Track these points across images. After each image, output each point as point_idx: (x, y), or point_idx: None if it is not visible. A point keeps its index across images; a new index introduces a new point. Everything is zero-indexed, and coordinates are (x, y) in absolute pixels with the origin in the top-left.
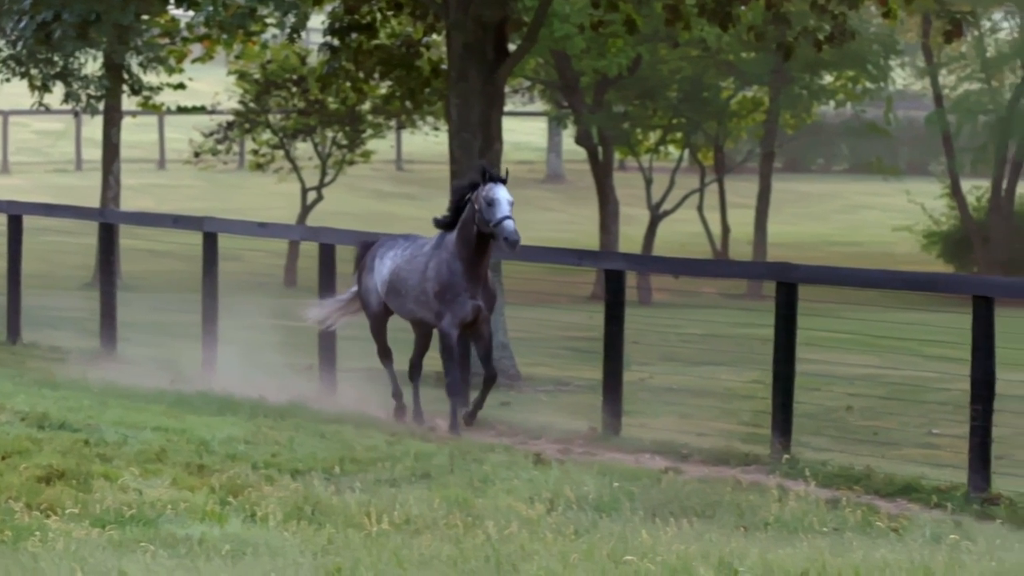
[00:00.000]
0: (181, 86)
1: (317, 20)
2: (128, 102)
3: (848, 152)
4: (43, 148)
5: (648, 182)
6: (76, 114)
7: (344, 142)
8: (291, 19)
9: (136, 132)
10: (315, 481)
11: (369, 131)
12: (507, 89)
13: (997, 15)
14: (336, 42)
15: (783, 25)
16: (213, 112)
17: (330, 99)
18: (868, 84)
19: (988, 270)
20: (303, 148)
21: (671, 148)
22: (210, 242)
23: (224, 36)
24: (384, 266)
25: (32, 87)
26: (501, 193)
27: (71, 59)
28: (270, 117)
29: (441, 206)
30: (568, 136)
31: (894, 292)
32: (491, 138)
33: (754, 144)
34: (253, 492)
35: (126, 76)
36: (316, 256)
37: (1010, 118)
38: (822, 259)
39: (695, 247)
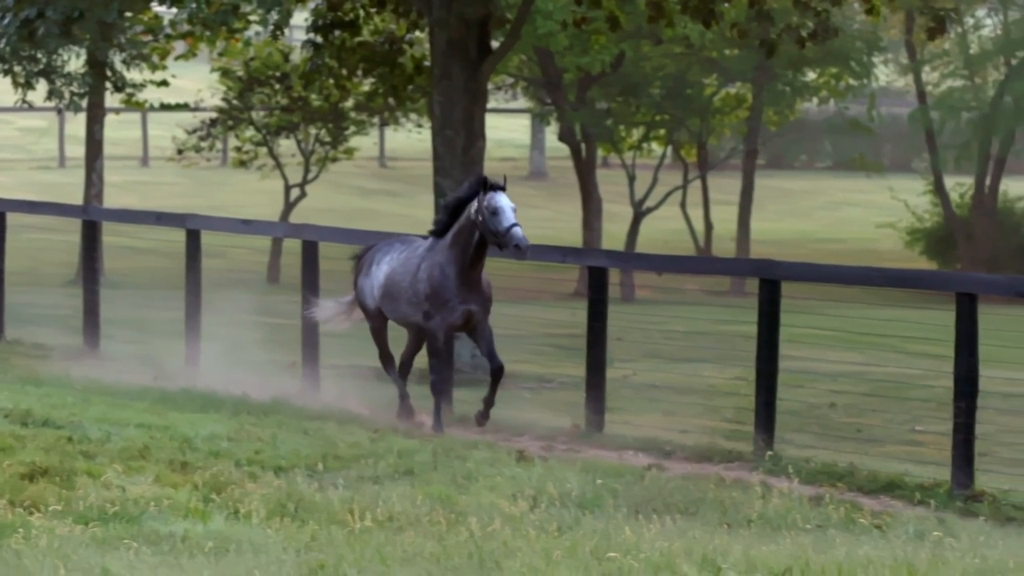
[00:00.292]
0: (164, 83)
1: (300, 17)
2: (111, 99)
3: (831, 149)
4: (26, 145)
5: (631, 179)
6: (59, 111)
7: (327, 139)
8: (274, 16)
9: (119, 129)
10: (298, 478)
11: (352, 128)
12: (490, 86)
13: (980, 12)
14: (319, 39)
15: (766, 22)
16: (196, 109)
17: (313, 96)
18: (851, 81)
19: (971, 267)
20: (286, 145)
21: (654, 145)
22: (193, 239)
23: (207, 33)
24: (380, 271)
25: (15, 84)
26: (504, 201)
27: (54, 56)
28: (253, 114)
29: (424, 203)
30: (551, 133)
31: (877, 289)
32: (474, 135)
33: (737, 141)
34: (236, 489)
35: (109, 73)
36: (299, 253)
37: (993, 115)
38: (805, 256)
39: (678, 244)
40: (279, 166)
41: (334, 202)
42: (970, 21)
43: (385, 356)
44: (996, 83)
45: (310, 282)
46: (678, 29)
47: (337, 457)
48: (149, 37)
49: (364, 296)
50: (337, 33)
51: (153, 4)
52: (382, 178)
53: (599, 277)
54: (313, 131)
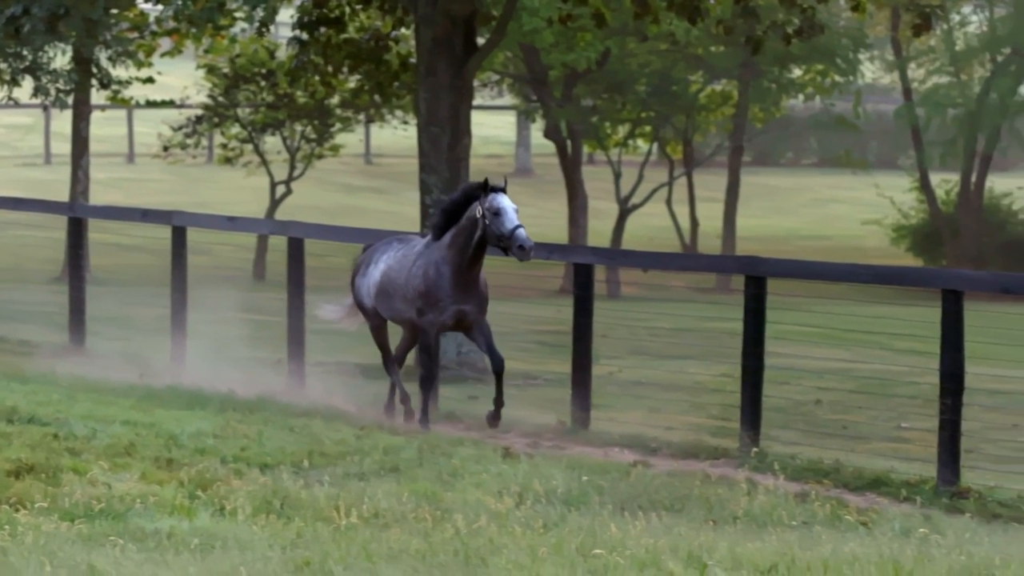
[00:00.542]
0: (150, 80)
1: (286, 14)
2: (97, 96)
3: (817, 146)
4: (12, 142)
5: (617, 176)
6: (45, 108)
7: (313, 136)
8: (260, 13)
9: (105, 126)
10: (284, 475)
11: (338, 125)
12: (476, 83)
13: (966, 8)
14: (305, 36)
15: (752, 19)
16: (182, 106)
17: (299, 93)
18: (837, 78)
19: (957, 264)
20: (272, 142)
21: (640, 142)
22: (179, 236)
23: (193, 30)
24: (377, 269)
25: (1, 81)
26: (506, 202)
27: (40, 53)
28: (239, 111)
29: (410, 200)
30: (537, 130)
31: (863, 286)
32: (460, 132)
33: (723, 138)
34: (222, 486)
35: (95, 70)
36: (285, 250)
37: (979, 112)
38: (791, 253)
39: (664, 241)
40: (265, 163)
41: (320, 199)
42: (956, 18)
43: (387, 357)
44: (982, 80)
45: (296, 279)
46: (664, 26)
47: (323, 454)
48: (135, 34)
49: (361, 295)
50: (323, 30)
51: (139, 1)
52: (368, 175)
53: (585, 274)
54: (299, 128)
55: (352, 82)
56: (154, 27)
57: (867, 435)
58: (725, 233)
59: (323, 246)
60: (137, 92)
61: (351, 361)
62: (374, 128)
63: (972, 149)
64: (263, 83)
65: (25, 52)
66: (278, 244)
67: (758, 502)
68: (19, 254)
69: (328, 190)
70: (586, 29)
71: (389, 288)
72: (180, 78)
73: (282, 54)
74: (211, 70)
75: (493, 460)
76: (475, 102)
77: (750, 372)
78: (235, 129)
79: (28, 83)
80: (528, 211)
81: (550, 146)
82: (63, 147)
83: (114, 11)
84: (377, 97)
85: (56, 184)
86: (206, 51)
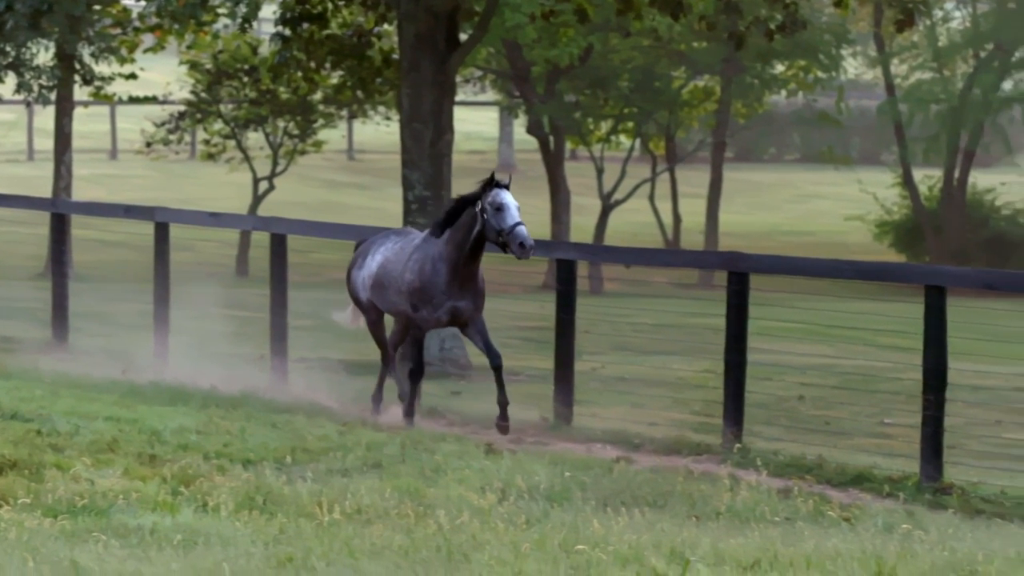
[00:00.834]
0: (133, 76)
1: (268, 10)
2: (80, 92)
3: (800, 142)
4: None
5: (599, 172)
6: (28, 104)
7: (296, 132)
8: (242, 9)
9: (88, 122)
10: (266, 471)
11: (321, 121)
12: (458, 79)
13: (949, 4)
14: (287, 32)
15: (734, 14)
16: (165, 102)
17: (281, 89)
18: (820, 73)
19: (940, 259)
20: (255, 138)
21: (622, 138)
22: (162, 232)
23: (176, 26)
24: (374, 261)
25: None
26: (510, 199)
27: (23, 49)
28: (222, 107)
29: (393, 195)
30: (519, 126)
31: (846, 282)
32: (442, 128)
33: (705, 134)
34: (205, 482)
35: (78, 66)
36: (268, 246)
37: (962, 107)
38: (774, 249)
39: (646, 237)
40: (247, 159)
41: (302, 195)
42: (939, 14)
43: (384, 354)
44: (965, 76)
45: (279, 275)
46: (646, 22)
47: (305, 450)
48: (118, 30)
49: (356, 289)
50: (305, 26)
51: None
52: (350, 171)
53: (567, 270)
54: (281, 124)
55: (335, 78)
56: (137, 23)
57: (850, 431)
58: (708, 229)
59: (306, 242)
60: (120, 88)
61: (334, 357)
62: (357, 124)
63: (955, 145)
64: (246, 79)
65: (8, 48)
66: (261, 240)
67: (741, 498)
68: (2, 250)
69: (311, 186)
70: (569, 25)
71: (384, 280)
72: (163, 74)
73: (265, 50)
74: (194, 66)
75: (476, 456)
76: (458, 98)
77: (733, 368)
78: (218, 125)
79: (11, 79)
80: None
81: (533, 142)
82: (46, 143)
83: (97, 7)
84: (360, 93)
85: (39, 180)
86: (189, 47)
